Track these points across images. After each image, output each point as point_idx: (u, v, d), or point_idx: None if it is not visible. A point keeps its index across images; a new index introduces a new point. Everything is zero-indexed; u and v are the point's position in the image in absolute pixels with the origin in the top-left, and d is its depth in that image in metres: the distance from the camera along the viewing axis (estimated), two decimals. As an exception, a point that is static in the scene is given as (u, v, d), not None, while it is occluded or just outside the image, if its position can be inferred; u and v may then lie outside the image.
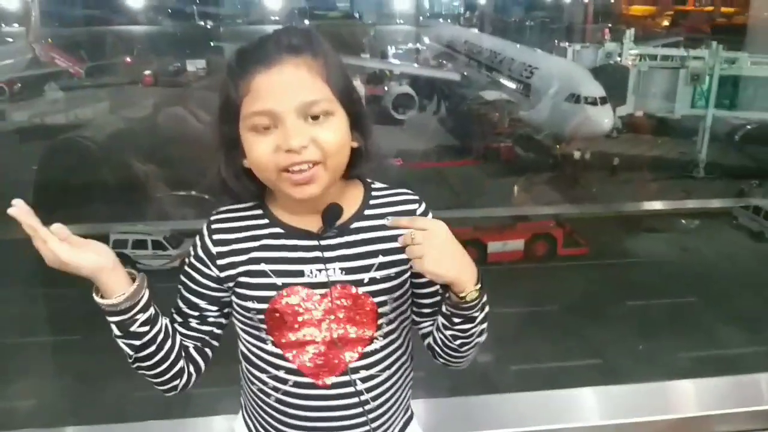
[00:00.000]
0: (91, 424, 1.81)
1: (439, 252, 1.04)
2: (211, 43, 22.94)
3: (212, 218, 1.20)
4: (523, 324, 10.06)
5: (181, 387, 1.20)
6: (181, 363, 1.18)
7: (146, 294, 1.10)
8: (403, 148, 16.25)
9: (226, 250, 1.16)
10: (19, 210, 1.01)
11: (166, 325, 1.15)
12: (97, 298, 1.08)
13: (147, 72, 21.81)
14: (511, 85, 19.31)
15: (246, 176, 1.14)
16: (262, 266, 1.14)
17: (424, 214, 1.22)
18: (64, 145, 14.89)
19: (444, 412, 1.80)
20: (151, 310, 1.11)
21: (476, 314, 1.11)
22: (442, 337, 1.17)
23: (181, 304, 1.21)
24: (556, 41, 22.91)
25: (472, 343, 1.16)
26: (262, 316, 1.15)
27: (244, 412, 1.31)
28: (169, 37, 25.08)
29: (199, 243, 1.19)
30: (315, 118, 1.07)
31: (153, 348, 1.12)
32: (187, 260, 1.21)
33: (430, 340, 1.24)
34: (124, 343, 1.11)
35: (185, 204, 11.70)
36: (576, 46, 20.84)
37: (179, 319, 1.21)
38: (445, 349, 1.19)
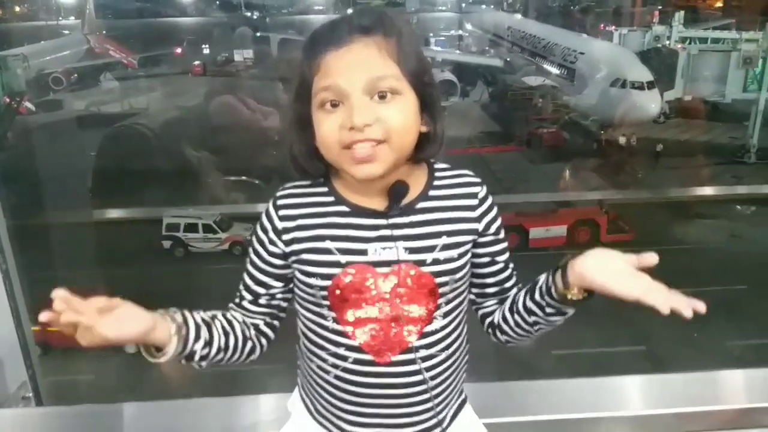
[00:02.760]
0: (148, 400, 1.90)
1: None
2: (257, 34, 23.26)
3: (278, 194, 1.21)
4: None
5: (256, 357, 1.26)
6: (249, 345, 1.23)
7: (191, 325, 1.12)
8: (445, 135, 16.26)
9: (292, 225, 1.18)
10: (62, 301, 0.98)
11: (222, 325, 1.19)
12: (151, 358, 1.09)
13: (196, 62, 22.32)
14: (555, 70, 19.04)
15: (316, 155, 1.15)
16: (327, 243, 1.15)
17: (485, 196, 1.23)
18: (120, 133, 15.38)
19: (493, 397, 1.80)
20: (204, 333, 1.14)
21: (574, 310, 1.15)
22: (519, 320, 1.21)
23: (249, 281, 1.23)
24: (602, 25, 22.46)
25: (548, 330, 1.20)
26: (324, 293, 1.16)
27: (301, 390, 1.32)
28: (217, 27, 25.54)
29: (265, 218, 1.20)
30: (382, 97, 1.07)
31: (220, 357, 1.19)
32: (254, 237, 1.23)
33: (495, 318, 1.26)
34: (192, 365, 1.16)
35: (237, 189, 12.04)
36: (623, 29, 20.30)
37: (248, 297, 1.23)
38: (518, 331, 1.22)
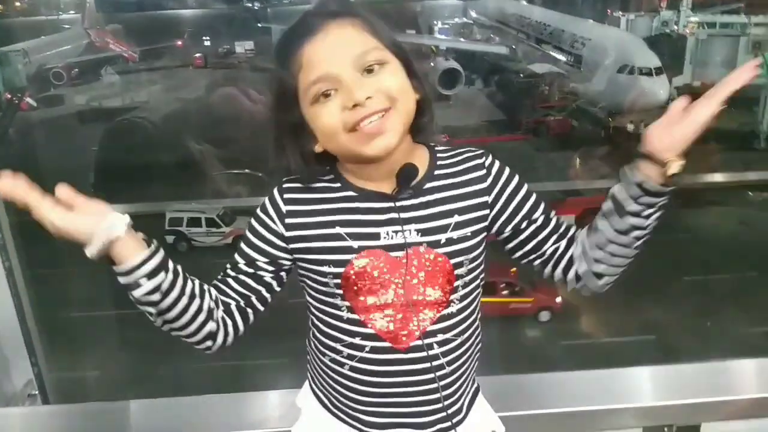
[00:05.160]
0: (153, 397, 1.87)
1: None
2: (259, 24, 23.15)
3: (285, 179, 1.18)
4: (574, 299, 9.96)
5: (215, 347, 1.16)
6: (211, 325, 1.13)
7: (154, 261, 1.04)
8: (450, 124, 16.12)
9: (298, 209, 1.15)
10: (12, 186, 0.98)
11: (192, 288, 1.10)
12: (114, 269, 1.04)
13: (197, 54, 22.27)
14: (562, 57, 18.86)
15: (315, 159, 1.13)
16: (337, 229, 1.13)
17: (492, 163, 1.21)
18: (121, 127, 15.39)
19: (503, 389, 1.79)
20: (160, 278, 1.04)
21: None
22: (615, 248, 1.13)
23: (238, 258, 1.18)
24: (609, 11, 22.22)
25: (647, 239, 1.14)
26: (338, 281, 1.13)
27: (313, 385, 1.30)
28: (217, 19, 25.45)
29: (268, 201, 1.18)
30: (370, 70, 1.06)
31: (172, 314, 1.08)
32: (253, 217, 1.19)
33: (582, 268, 1.18)
34: (140, 307, 1.08)
35: (240, 182, 11.96)
36: (630, 15, 20.16)
37: (232, 273, 1.18)
38: (616, 261, 1.15)
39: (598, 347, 9.47)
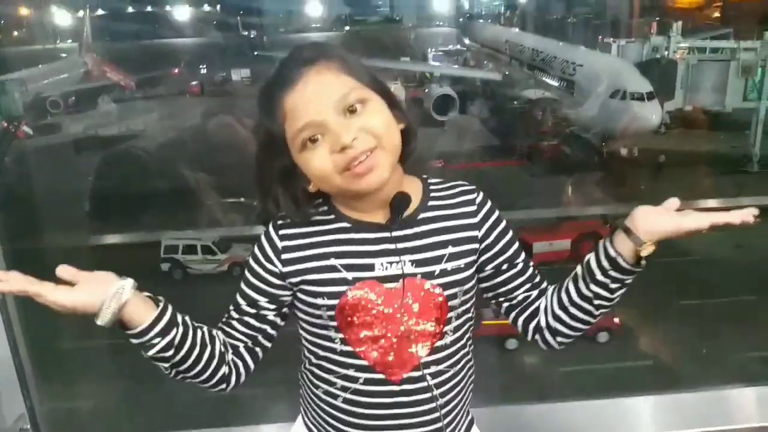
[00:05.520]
0: (145, 430, 1.85)
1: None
2: (255, 53, 23.36)
3: (279, 215, 1.19)
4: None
5: (229, 388, 1.20)
6: (224, 369, 1.16)
7: (165, 319, 1.07)
8: (444, 150, 16.21)
9: (293, 244, 1.16)
10: (8, 283, 1.00)
11: (202, 336, 1.13)
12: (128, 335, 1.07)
13: (194, 82, 22.46)
14: (554, 83, 19.03)
15: (308, 198, 1.16)
16: (332, 261, 1.13)
17: (483, 201, 1.22)
18: (117, 156, 15.41)
19: (499, 420, 1.78)
20: (173, 334, 1.08)
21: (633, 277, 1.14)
22: (577, 312, 1.17)
23: (240, 300, 1.20)
24: (600, 37, 22.51)
25: (607, 311, 1.18)
26: (332, 313, 1.14)
27: (305, 418, 1.29)
28: (214, 48, 25.68)
29: (264, 238, 1.19)
30: (353, 111, 1.08)
31: (185, 365, 1.11)
32: (250, 256, 1.21)
33: (542, 321, 1.22)
34: (154, 362, 1.11)
35: (235, 210, 11.96)
36: (621, 41, 20.37)
37: (236, 316, 1.20)
38: (575, 325, 1.19)
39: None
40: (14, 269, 1.01)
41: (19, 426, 1.97)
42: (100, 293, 1.02)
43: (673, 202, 1.11)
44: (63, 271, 1.02)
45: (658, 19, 21.35)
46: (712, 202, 15.61)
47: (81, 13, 24.05)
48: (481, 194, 1.23)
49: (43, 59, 22.78)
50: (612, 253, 1.12)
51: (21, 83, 17.49)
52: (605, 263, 1.12)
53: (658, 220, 1.09)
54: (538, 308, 1.24)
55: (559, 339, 1.22)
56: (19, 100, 16.80)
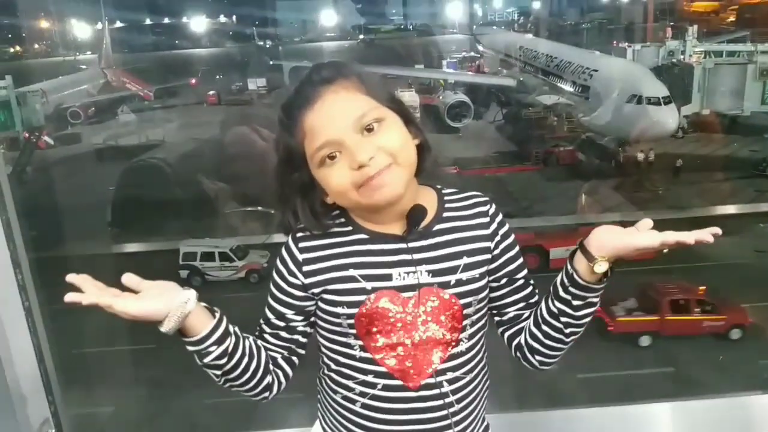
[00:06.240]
0: None
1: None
2: (270, 62, 23.56)
3: (298, 227, 1.23)
4: (588, 331, 9.83)
5: (272, 396, 1.24)
6: (269, 378, 1.21)
7: (221, 328, 1.12)
8: (460, 156, 16.22)
9: (313, 256, 1.19)
10: (84, 296, 1.04)
11: (250, 346, 1.18)
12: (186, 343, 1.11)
13: (211, 92, 22.71)
14: (569, 88, 18.95)
15: (325, 209, 1.20)
16: (351, 272, 1.17)
17: (495, 213, 1.25)
18: (137, 168, 15.55)
19: (515, 427, 1.78)
20: (227, 343, 1.13)
21: (598, 296, 1.16)
22: (548, 329, 1.20)
23: (269, 315, 1.24)
24: (615, 42, 22.41)
25: (579, 333, 1.20)
26: (351, 321, 1.17)
27: (323, 423, 1.32)
28: (230, 58, 25.93)
29: (285, 252, 1.22)
30: (370, 129, 1.12)
31: (236, 374, 1.16)
32: (274, 271, 1.24)
33: (522, 339, 1.25)
34: (207, 370, 1.15)
35: (253, 219, 12.04)
36: (636, 45, 20.24)
37: (268, 330, 1.24)
38: (548, 343, 1.21)
39: (611, 379, 9.32)
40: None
41: (44, 430, 2.00)
42: (166, 303, 1.07)
43: (646, 222, 1.11)
44: (128, 279, 1.07)
45: (672, 23, 21.24)
46: (730, 208, 15.47)
47: (100, 26, 24.47)
48: (494, 206, 1.26)
49: (63, 71, 23.18)
50: (569, 269, 1.14)
51: (42, 94, 17.77)
52: (565, 280, 1.15)
53: (610, 238, 1.11)
54: (523, 326, 1.26)
55: (537, 358, 1.24)
56: (40, 111, 17.06)
